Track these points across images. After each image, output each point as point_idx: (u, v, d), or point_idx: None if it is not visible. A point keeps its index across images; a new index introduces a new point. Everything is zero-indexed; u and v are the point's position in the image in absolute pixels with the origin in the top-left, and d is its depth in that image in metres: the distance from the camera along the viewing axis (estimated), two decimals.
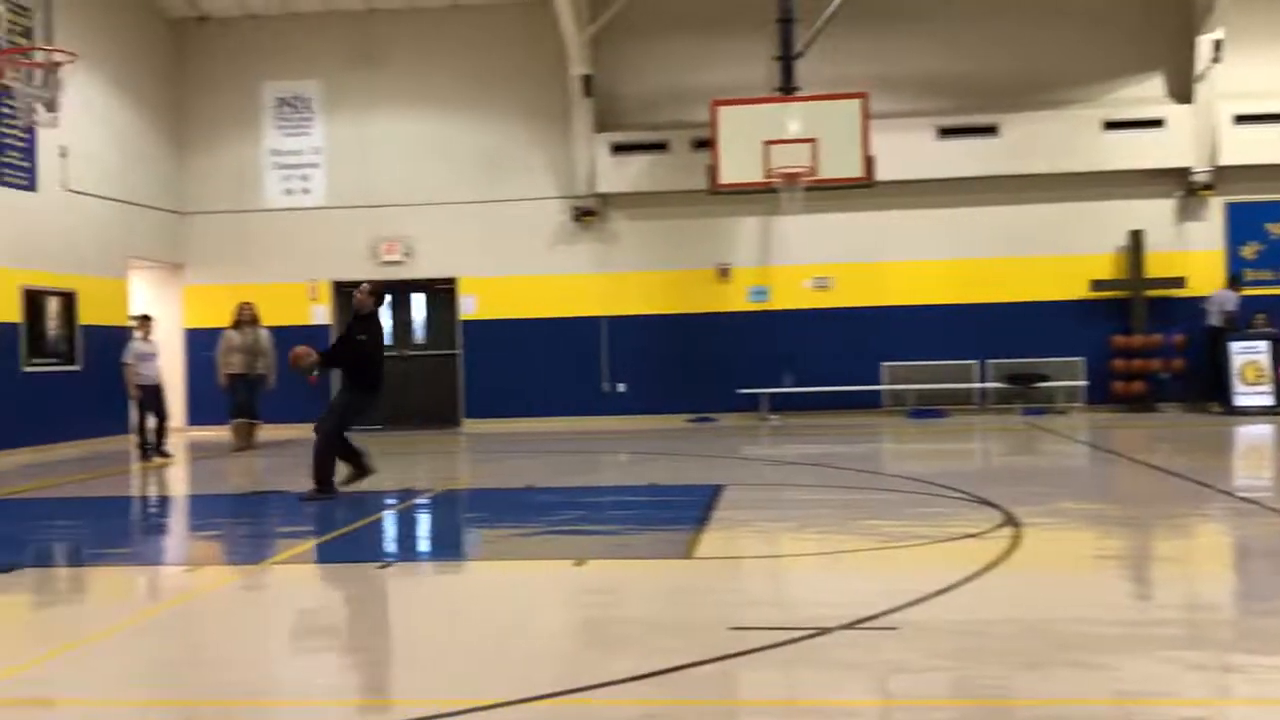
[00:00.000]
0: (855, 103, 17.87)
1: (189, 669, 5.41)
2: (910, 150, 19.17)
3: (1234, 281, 19.17)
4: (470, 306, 20.58)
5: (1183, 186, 19.53)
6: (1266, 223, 19.57)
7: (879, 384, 19.88)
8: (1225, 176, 19.29)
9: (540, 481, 12.06)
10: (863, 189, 18.33)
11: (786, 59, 18.64)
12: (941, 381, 19.72)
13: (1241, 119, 19.08)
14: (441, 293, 20.82)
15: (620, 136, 19.95)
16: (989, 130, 19.48)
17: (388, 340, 21.37)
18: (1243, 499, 9.75)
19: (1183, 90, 19.46)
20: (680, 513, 9.67)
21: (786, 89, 18.50)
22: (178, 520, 11.30)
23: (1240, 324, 18.74)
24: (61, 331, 17.39)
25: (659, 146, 19.84)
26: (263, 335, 16.64)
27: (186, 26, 20.91)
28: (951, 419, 19.15)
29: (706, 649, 5.24)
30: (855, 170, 17.79)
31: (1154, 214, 19.62)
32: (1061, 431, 16.49)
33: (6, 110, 14.91)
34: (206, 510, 11.55)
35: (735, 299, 20.16)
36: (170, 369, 18.21)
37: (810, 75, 18.54)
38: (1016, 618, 5.82)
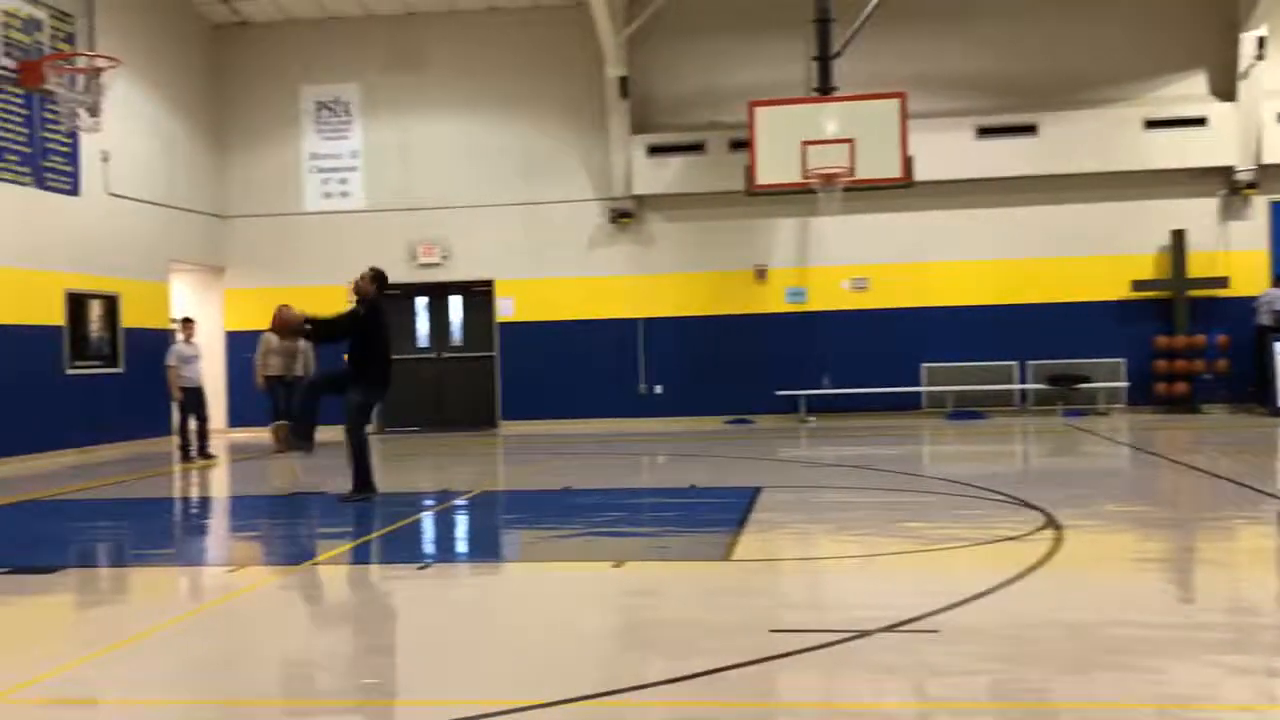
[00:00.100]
0: (893, 102, 17.78)
1: (231, 668, 5.45)
2: (949, 150, 19.08)
3: None
4: (507, 308, 20.65)
5: (1226, 185, 19.32)
6: None
7: (918, 385, 19.78)
8: (1269, 175, 19.07)
9: (578, 483, 12.07)
10: (901, 189, 18.26)
11: (824, 59, 18.56)
12: (981, 383, 19.59)
13: None
14: (479, 295, 20.89)
15: (657, 138, 19.96)
16: (1028, 129, 19.35)
17: (425, 343, 20.99)
18: None
19: (1226, 88, 19.24)
20: (719, 514, 9.65)
21: (824, 89, 18.42)
22: (219, 521, 11.39)
23: None
24: (104, 334, 17.56)
25: (696, 148, 19.84)
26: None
27: (226, 31, 21.11)
28: (991, 421, 19.03)
29: (746, 651, 5.23)
30: (893, 170, 17.70)
31: (1196, 213, 19.42)
32: (1103, 433, 16.33)
33: (50, 115, 15.07)
34: (247, 511, 11.64)
35: (773, 300, 20.11)
36: (211, 371, 18.38)
37: (848, 75, 18.47)
38: (1058, 620, 5.76)
